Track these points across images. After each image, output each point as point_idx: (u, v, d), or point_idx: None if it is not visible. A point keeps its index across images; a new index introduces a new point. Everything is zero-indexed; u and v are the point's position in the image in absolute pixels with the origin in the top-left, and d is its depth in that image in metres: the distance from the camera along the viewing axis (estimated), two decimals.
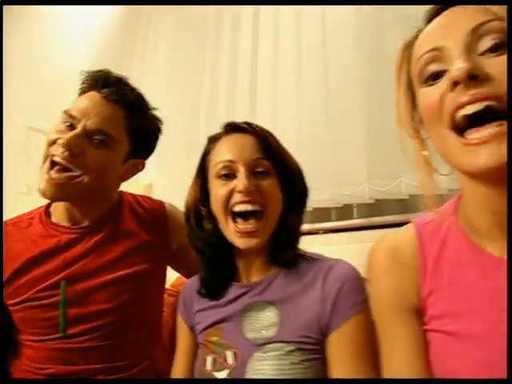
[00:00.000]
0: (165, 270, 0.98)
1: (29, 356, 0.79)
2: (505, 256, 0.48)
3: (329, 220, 1.49)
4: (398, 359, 0.55)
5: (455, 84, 0.44)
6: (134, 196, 0.96)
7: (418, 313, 0.55)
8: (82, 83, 0.88)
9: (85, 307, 0.79)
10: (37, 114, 2.91)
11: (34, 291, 0.78)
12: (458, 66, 0.43)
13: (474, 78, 0.43)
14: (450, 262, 0.53)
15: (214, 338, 0.72)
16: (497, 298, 0.47)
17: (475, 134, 0.43)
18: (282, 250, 0.72)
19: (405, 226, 0.61)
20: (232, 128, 0.77)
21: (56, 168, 0.78)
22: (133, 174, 0.93)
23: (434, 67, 0.47)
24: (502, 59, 0.43)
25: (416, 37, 0.53)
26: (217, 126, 0.80)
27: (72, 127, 0.80)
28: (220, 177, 0.72)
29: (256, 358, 0.65)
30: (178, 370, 0.78)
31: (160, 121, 0.93)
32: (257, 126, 0.77)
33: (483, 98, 0.43)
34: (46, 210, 0.90)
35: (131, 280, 0.84)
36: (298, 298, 0.68)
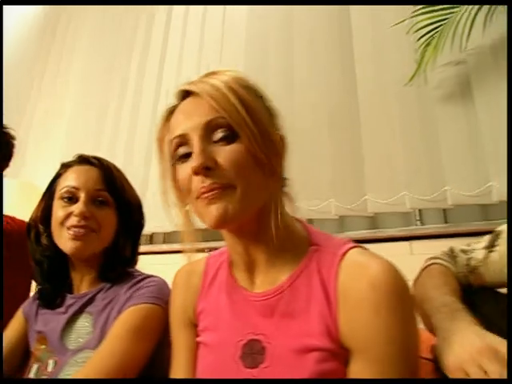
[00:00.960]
0: (28, 284, 1.06)
1: None
2: (247, 287, 0.63)
3: None
4: (178, 363, 0.68)
5: (196, 173, 0.55)
6: None
7: (194, 326, 0.69)
8: None
9: None
10: None
11: None
12: (195, 159, 0.55)
13: (208, 168, 0.55)
14: (216, 288, 0.67)
15: (43, 347, 0.81)
16: (234, 318, 0.62)
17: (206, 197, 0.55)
18: (110, 269, 0.84)
19: (204, 256, 0.75)
20: (83, 160, 0.88)
21: None
22: None
23: (182, 150, 0.58)
24: (229, 148, 0.56)
25: (175, 108, 0.62)
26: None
27: None
28: (63, 199, 0.82)
29: (69, 364, 0.75)
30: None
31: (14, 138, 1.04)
32: (104, 161, 0.89)
33: (216, 187, 0.54)
34: None
35: None
36: (108, 309, 0.79)
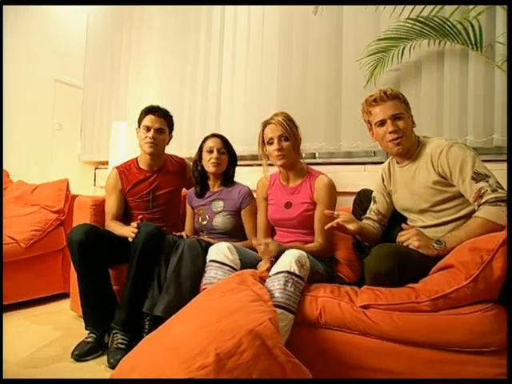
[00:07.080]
0: (182, 189, 2.37)
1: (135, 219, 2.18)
2: (285, 184, 1.90)
3: None
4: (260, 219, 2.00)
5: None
6: (169, 155, 2.33)
7: (266, 200, 1.99)
8: (143, 112, 2.17)
9: (157, 201, 2.18)
10: (61, 68, 4.05)
11: (139, 196, 2.16)
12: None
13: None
14: (276, 186, 1.95)
15: (201, 211, 2.15)
16: (281, 196, 1.93)
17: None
18: (225, 180, 2.16)
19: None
20: (214, 135, 2.15)
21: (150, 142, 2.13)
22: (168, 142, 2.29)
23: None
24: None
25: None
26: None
27: (149, 130, 2.13)
28: (207, 152, 2.12)
29: (216, 217, 2.10)
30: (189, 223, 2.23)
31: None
32: (221, 136, 2.15)
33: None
34: (136, 161, 2.23)
35: (171, 192, 2.24)
36: (229, 197, 2.12)
